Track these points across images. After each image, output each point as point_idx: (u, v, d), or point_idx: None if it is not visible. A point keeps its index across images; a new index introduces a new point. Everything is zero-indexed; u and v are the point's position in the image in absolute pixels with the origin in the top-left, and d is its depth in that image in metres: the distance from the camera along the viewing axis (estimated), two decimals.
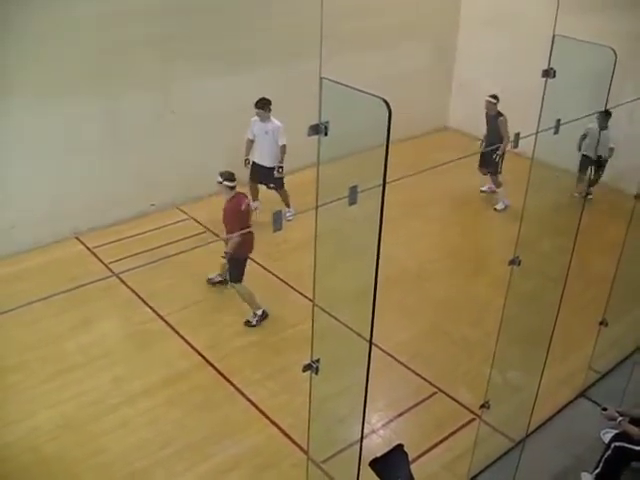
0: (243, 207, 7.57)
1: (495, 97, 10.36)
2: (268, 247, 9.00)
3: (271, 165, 9.68)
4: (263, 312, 7.86)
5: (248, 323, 7.84)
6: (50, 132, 8.69)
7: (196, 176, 9.99)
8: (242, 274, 7.73)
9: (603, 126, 9.05)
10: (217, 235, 8.76)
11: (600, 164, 10.40)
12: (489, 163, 10.55)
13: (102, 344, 7.46)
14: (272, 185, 9.88)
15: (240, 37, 9.73)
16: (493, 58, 12.04)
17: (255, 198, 9.88)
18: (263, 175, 9.82)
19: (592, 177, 10.33)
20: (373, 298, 3.66)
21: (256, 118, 9.55)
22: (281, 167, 9.65)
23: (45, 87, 8.37)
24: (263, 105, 9.41)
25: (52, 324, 7.57)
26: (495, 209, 10.71)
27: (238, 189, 7.75)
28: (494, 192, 10.94)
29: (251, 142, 9.70)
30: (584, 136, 9.72)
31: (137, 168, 9.59)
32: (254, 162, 9.79)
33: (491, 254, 9.37)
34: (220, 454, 6.15)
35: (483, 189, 11.21)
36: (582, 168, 9.76)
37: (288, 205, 9.92)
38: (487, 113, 10.51)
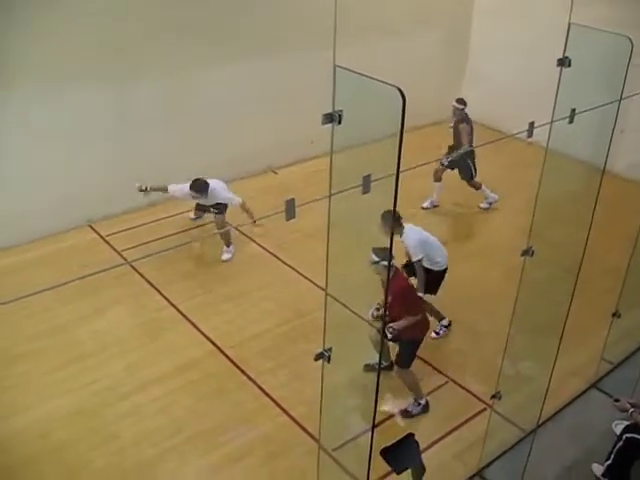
0: (406, 284, 6.44)
1: (461, 101, 9.83)
2: (280, 235, 9.01)
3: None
4: (426, 402, 6.62)
5: (407, 413, 6.59)
6: (63, 119, 8.69)
7: (209, 164, 9.98)
8: (413, 359, 6.53)
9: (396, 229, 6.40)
10: (231, 224, 8.73)
11: None
12: (462, 169, 10.11)
13: (115, 332, 7.50)
14: (216, 210, 8.80)
15: (252, 24, 9.71)
16: (507, 47, 11.94)
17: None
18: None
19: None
20: (385, 288, 3.64)
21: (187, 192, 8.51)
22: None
23: (58, 73, 8.37)
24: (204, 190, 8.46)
25: (65, 312, 7.63)
26: (480, 207, 10.48)
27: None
28: (435, 206, 10.41)
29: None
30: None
31: (149, 156, 9.56)
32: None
33: (502, 244, 9.32)
34: (232, 442, 6.18)
35: (425, 205, 10.43)
36: None
37: (229, 244, 8.98)
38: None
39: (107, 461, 5.96)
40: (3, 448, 6.05)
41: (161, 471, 5.90)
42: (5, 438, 6.14)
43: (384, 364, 6.70)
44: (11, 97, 8.10)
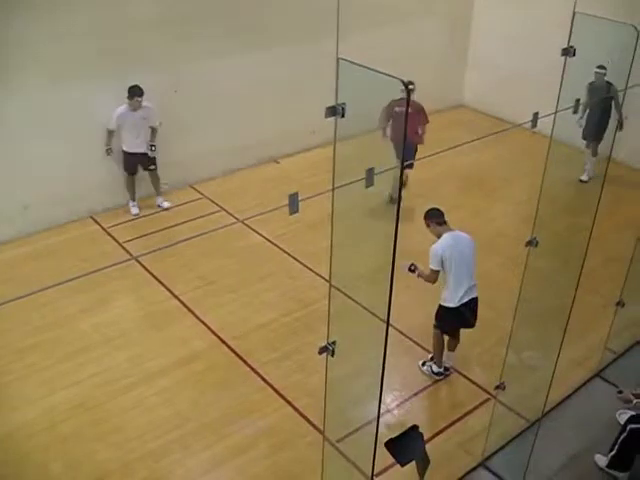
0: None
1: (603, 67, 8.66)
2: (281, 226, 8.99)
3: (146, 149, 9.35)
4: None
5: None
6: (64, 112, 8.67)
7: (207, 155, 9.98)
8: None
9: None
10: (233, 215, 8.73)
11: None
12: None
13: (118, 324, 7.50)
14: (152, 166, 9.49)
15: (254, 16, 9.69)
16: (510, 34, 11.87)
17: (133, 198, 9.61)
18: (141, 161, 9.40)
19: None
20: (390, 278, 3.62)
21: (125, 108, 9.01)
22: (154, 145, 9.36)
23: (60, 66, 8.40)
24: (141, 93, 8.94)
25: (68, 304, 7.62)
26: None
27: None
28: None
29: (112, 132, 9.14)
30: None
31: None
32: (130, 153, 9.31)
33: (503, 235, 9.28)
34: (236, 433, 6.18)
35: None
36: None
37: (159, 193, 9.70)
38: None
39: (111, 453, 5.96)
40: (8, 440, 6.05)
41: (165, 463, 5.90)
42: (11, 430, 6.14)
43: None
44: (16, 90, 8.13)
